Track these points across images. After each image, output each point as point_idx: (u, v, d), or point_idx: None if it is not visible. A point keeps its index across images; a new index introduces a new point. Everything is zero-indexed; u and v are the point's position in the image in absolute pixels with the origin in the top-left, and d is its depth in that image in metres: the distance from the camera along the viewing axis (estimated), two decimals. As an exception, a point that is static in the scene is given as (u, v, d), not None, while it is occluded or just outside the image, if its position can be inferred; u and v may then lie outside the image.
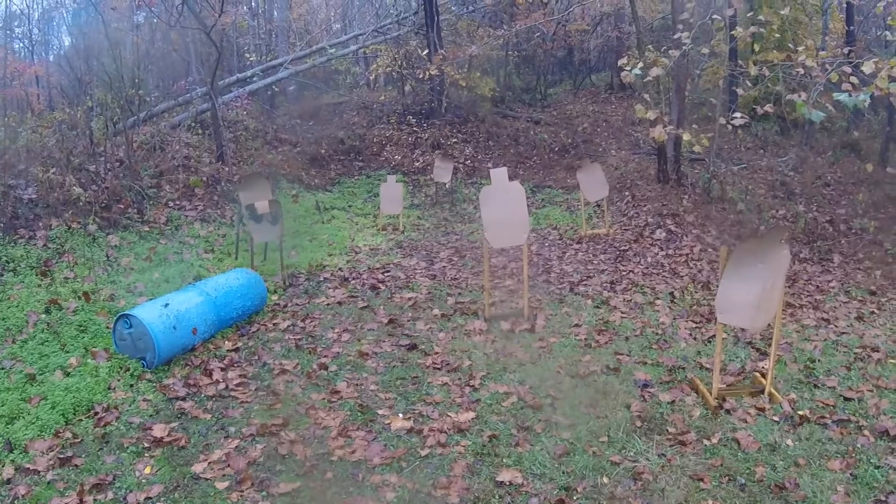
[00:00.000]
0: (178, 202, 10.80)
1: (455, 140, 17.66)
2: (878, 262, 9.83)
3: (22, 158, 9.70)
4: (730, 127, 12.20)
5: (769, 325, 5.35)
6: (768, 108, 10.26)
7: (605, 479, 4.35)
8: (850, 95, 8.05)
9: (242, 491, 4.16)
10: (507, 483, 4.26)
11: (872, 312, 7.82)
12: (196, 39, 17.00)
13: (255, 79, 18.35)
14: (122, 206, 9.66)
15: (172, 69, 19.61)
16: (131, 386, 5.53)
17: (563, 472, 4.43)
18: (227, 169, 12.85)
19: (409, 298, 7.99)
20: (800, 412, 5.20)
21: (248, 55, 23.17)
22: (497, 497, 4.12)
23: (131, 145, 11.28)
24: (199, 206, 10.98)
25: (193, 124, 14.76)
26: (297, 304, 7.75)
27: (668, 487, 4.25)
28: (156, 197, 10.57)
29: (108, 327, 6.35)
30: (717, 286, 5.19)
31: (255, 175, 10.00)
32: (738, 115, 11.48)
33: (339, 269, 9.44)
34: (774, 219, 11.35)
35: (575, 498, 4.17)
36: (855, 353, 6.42)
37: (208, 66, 13.98)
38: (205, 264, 8.90)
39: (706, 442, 4.79)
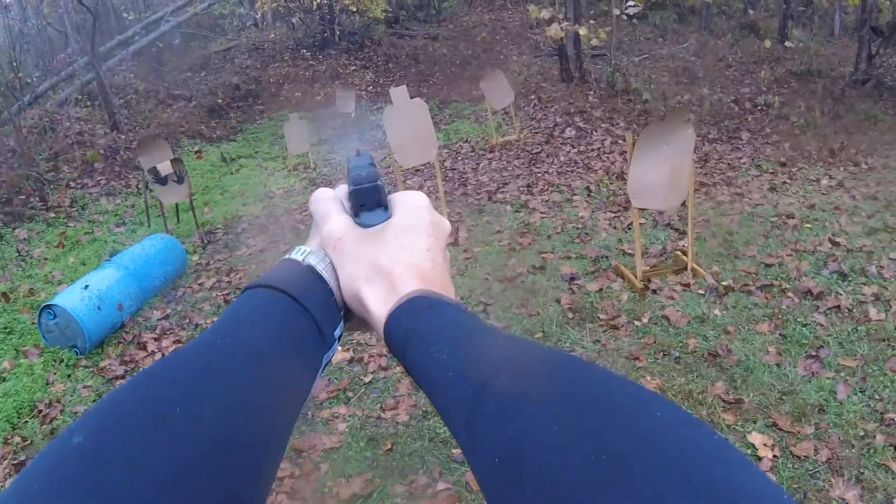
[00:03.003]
0: (79, 181, 10.38)
1: (354, 68, 17.28)
2: (785, 135, 10.06)
3: None
4: (625, 17, 12.25)
5: (683, 203, 5.44)
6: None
7: (545, 372, 4.43)
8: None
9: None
10: (451, 393, 4.30)
11: (784, 183, 8.03)
12: (69, 8, 16.04)
13: (136, 38, 17.53)
14: (23, 197, 9.26)
15: (50, 44, 18.56)
16: (69, 376, 5.39)
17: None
18: (123, 137, 12.36)
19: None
20: (724, 283, 5.37)
21: (125, 14, 22.07)
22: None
23: (20, 132, 10.74)
24: (101, 181, 10.58)
25: (81, 97, 14.09)
26: (219, 260, 7.57)
27: (607, 369, 4.34)
28: (55, 180, 10.15)
29: (33, 323, 6.12)
30: (629, 173, 5.24)
31: (153, 137, 9.59)
32: (631, 3, 11.50)
33: (257, 217, 9.23)
34: (680, 104, 11.48)
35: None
36: (771, 222, 6.62)
37: (86, 34, 13.27)
38: (118, 238, 8.61)
39: (637, 323, 4.92)
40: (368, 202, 0.70)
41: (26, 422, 4.85)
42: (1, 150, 10.23)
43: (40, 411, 4.93)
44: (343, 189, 0.75)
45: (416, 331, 0.57)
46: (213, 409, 0.47)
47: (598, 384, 0.45)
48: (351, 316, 0.69)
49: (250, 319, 0.59)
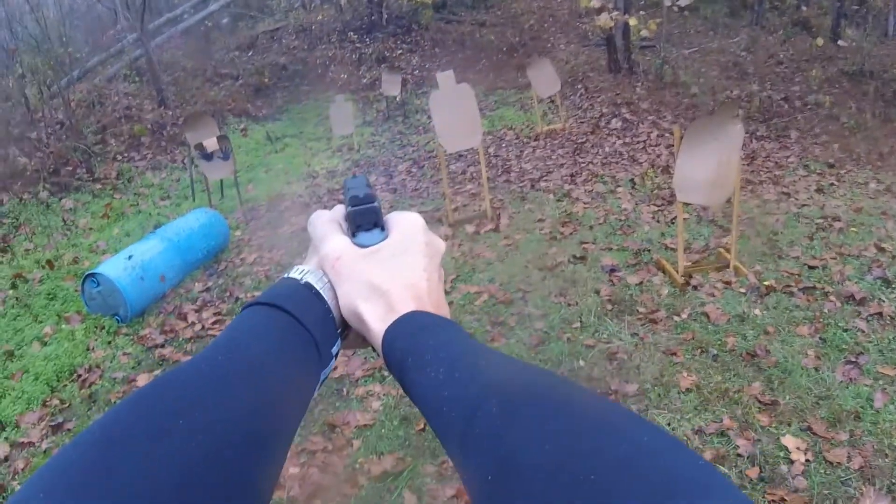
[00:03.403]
0: (126, 154, 10.58)
1: (400, 52, 17.29)
2: (834, 135, 9.89)
3: (-41, 139, 9.42)
4: (676, 9, 12.11)
5: (729, 200, 5.39)
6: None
7: (582, 362, 4.45)
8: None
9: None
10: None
11: (832, 184, 7.90)
12: (118, -16, 16.28)
13: (185, 16, 17.70)
14: (71, 168, 9.46)
15: (99, 20, 18.81)
16: (109, 343, 5.51)
17: (541, 361, 4.51)
18: (170, 113, 12.54)
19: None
20: (766, 283, 5.30)
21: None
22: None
23: (69, 105, 10.98)
24: (147, 155, 10.77)
25: (129, 73, 14.33)
26: (260, 237, 7.67)
27: (642, 364, 4.34)
28: (102, 153, 10.34)
29: (76, 290, 6.27)
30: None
31: (200, 114, 9.72)
32: (683, -5, 11.37)
33: (299, 195, 9.33)
34: (729, 99, 11.33)
35: (554, 385, 4.25)
36: (816, 224, 6.51)
37: (135, 11, 13.44)
38: (163, 212, 8.77)
39: (676, 318, 4.89)
40: (365, 223, 0.73)
41: (65, 385, 4.98)
42: (50, 122, 10.45)
43: (80, 376, 5.05)
44: (340, 210, 0.78)
45: (413, 351, 0.60)
46: (214, 421, 0.49)
47: (587, 407, 0.47)
48: (347, 334, 0.71)
49: (250, 336, 0.61)
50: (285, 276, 0.70)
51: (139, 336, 5.55)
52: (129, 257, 5.98)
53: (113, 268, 5.82)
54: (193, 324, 5.67)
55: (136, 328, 5.70)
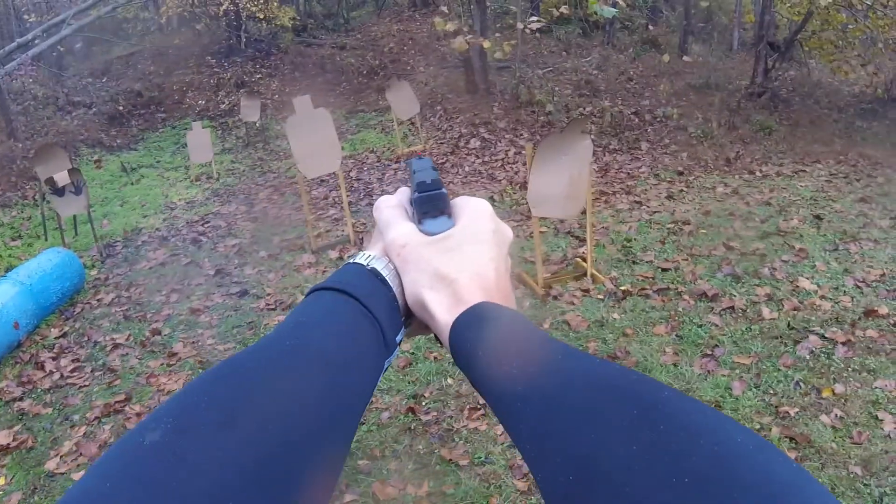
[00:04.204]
0: (-28, 192, 9.94)
1: (259, 76, 17.02)
2: (683, 144, 10.40)
3: None
4: (529, 31, 12.46)
5: (583, 212, 5.57)
6: (564, 9, 10.52)
7: (450, 381, 4.49)
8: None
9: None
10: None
11: (681, 191, 8.29)
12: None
13: (37, 41, 16.82)
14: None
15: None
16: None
17: (409, 382, 4.53)
18: (19, 145, 11.89)
19: (234, 245, 7.77)
20: (622, 287, 5.51)
21: (26, 17, 21.19)
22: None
23: None
24: (-4, 192, 10.16)
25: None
26: (118, 275, 7.34)
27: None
28: (-54, 192, 9.69)
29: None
30: (530, 183, 5.34)
31: (50, 146, 9.23)
32: (534, 18, 11.72)
33: (157, 229, 8.99)
34: (582, 115, 11.73)
35: (423, 403, 4.30)
36: (668, 229, 6.83)
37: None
38: (14, 252, 8.29)
39: (539, 328, 4.97)
40: (432, 210, 0.71)
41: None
42: None
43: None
44: (405, 194, 0.77)
45: (482, 344, 0.57)
46: (281, 410, 0.48)
47: (674, 404, 0.45)
48: (411, 322, 0.70)
49: (318, 321, 0.60)
50: (351, 261, 0.70)
51: (-5, 389, 5.20)
52: (-20, 304, 5.61)
53: (-38, 317, 5.45)
54: (52, 372, 5.37)
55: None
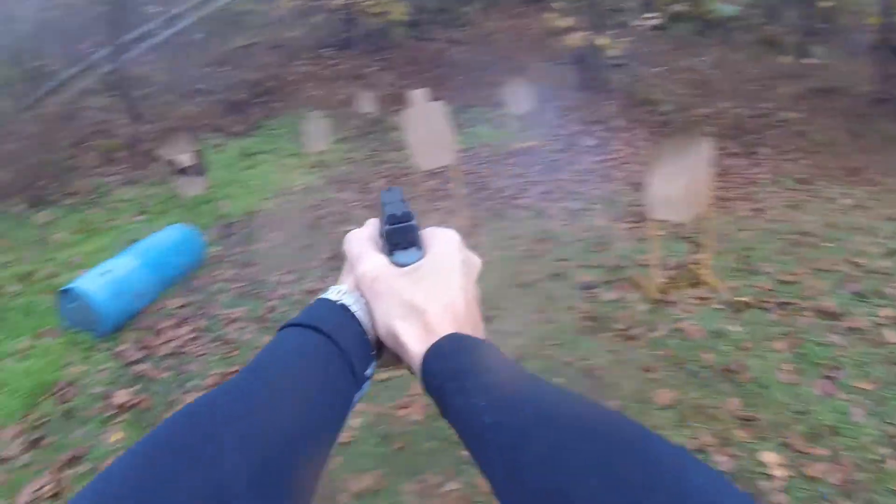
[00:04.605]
0: (100, 169, 10.51)
1: (374, 68, 17.31)
2: (804, 151, 10.02)
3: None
4: (645, 28, 12.28)
5: (701, 217, 5.45)
6: (682, 6, 10.31)
7: (561, 380, 4.44)
8: None
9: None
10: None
11: (804, 200, 7.99)
12: (94, -1, 16.17)
13: (158, 31, 17.56)
14: (45, 182, 9.36)
15: (74, 33, 18.66)
16: (86, 358, 5.46)
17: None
18: (144, 128, 12.44)
19: (349, 231, 7.91)
20: (741, 298, 5.34)
21: (150, 7, 22.13)
22: (457, 410, 4.20)
23: (43, 119, 10.85)
24: (122, 170, 10.70)
25: (102, 87, 14.21)
26: (236, 253, 7.63)
27: (621, 381, 4.36)
28: (77, 167, 10.27)
29: (52, 305, 6.19)
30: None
31: (175, 130, 9.70)
32: (651, 15, 11.55)
33: (274, 212, 9.29)
34: (700, 116, 11.48)
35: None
36: (789, 240, 6.58)
37: (108, 25, 13.40)
38: (138, 227, 8.69)
39: (653, 334, 4.91)
40: (402, 241, 0.73)
41: (43, 400, 4.94)
42: (23, 135, 10.33)
43: (58, 391, 5.01)
44: (374, 226, 0.79)
45: (453, 375, 0.59)
46: (261, 430, 0.51)
47: (639, 441, 0.47)
48: (382, 354, 0.71)
49: (288, 358, 0.62)
50: (321, 297, 0.71)
51: (116, 352, 5.50)
52: (105, 272, 5.94)
53: (89, 283, 5.79)
54: (170, 340, 5.63)
55: (112, 344, 5.65)
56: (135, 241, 7.60)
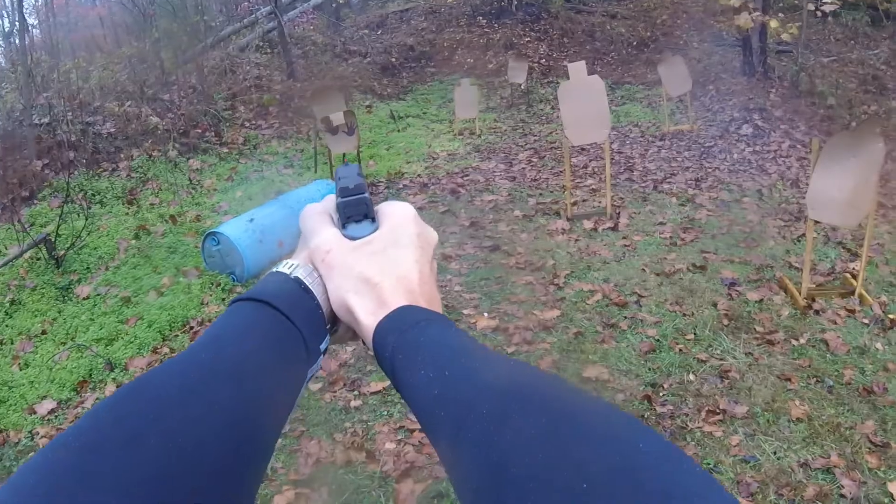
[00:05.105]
0: (253, 122, 10.94)
1: (528, 39, 17.18)
2: (980, 163, 9.29)
3: (96, 96, 9.98)
4: (819, 14, 11.61)
5: (861, 224, 5.16)
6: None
7: (692, 377, 4.36)
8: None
9: (335, 391, 4.33)
10: (594, 379, 4.33)
11: (975, 216, 7.42)
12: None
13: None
14: (200, 131, 9.86)
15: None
16: (223, 300, 5.75)
17: (649, 369, 4.46)
18: (298, 85, 12.86)
19: (490, 201, 7.99)
20: (891, 315, 5.05)
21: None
22: (584, 393, 4.21)
23: (202, 71, 11.43)
24: (274, 125, 11.10)
25: (261, 44, 14.81)
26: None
27: (755, 386, 4.23)
28: (231, 119, 10.73)
29: (196, 247, 6.57)
30: (807, 183, 5.02)
31: (328, 88, 9.97)
32: (827, 0, 10.89)
33: (418, 175, 9.45)
34: (866, 114, 10.80)
35: (661, 394, 4.20)
36: (953, 258, 6.15)
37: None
38: (285, 180, 9.05)
39: (794, 342, 4.73)
40: (355, 214, 0.73)
41: (177, 335, 5.24)
42: (182, 86, 10.91)
43: (191, 328, 5.31)
44: (331, 201, 0.78)
45: (403, 348, 0.59)
46: (192, 421, 0.48)
47: (584, 412, 0.46)
48: (337, 329, 0.71)
49: (236, 333, 0.61)
50: (274, 270, 0.71)
51: (252, 296, 5.76)
52: (251, 220, 6.19)
53: (234, 228, 6.05)
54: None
55: (249, 289, 5.90)
56: (281, 192, 7.93)
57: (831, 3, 10.83)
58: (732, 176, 8.44)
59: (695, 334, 4.84)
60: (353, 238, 0.71)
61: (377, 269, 0.67)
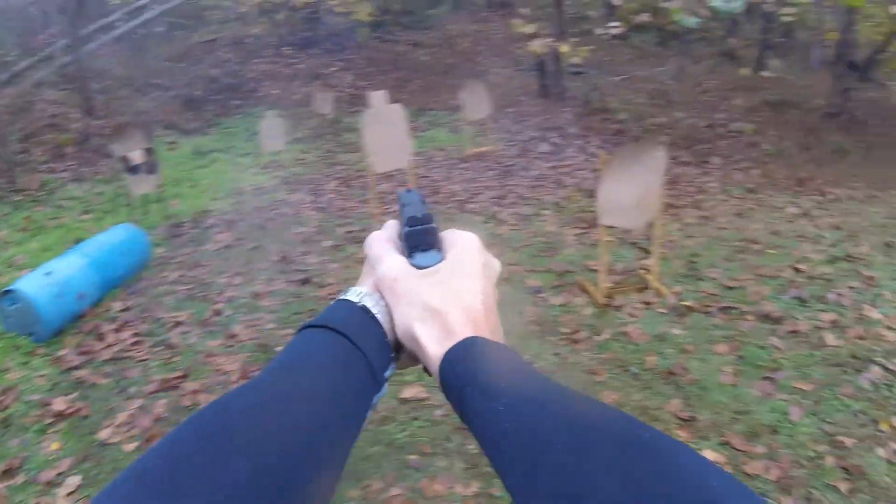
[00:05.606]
0: (49, 165, 10.31)
1: (334, 69, 17.22)
2: (755, 161, 10.17)
3: None
4: (607, 37, 12.38)
5: (650, 224, 5.51)
6: (645, 17, 10.42)
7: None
8: (724, 1, 8.20)
9: (150, 449, 4.09)
10: (411, 399, 4.33)
11: (751, 209, 8.11)
12: (53, -12, 15.94)
13: (119, 23, 17.32)
14: (-9, 177, 9.17)
15: (31, 23, 18.32)
16: (25, 364, 5.28)
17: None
18: (97, 123, 12.24)
19: (299, 233, 7.87)
20: (685, 303, 5.43)
21: (110, -1, 21.84)
22: (402, 412, 4.23)
23: (-6, 110, 10.67)
24: (72, 166, 10.51)
25: (58, 79, 13.97)
26: (184, 254, 7.49)
27: (566, 383, 4.36)
28: (26, 162, 10.05)
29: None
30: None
31: (127, 125, 9.51)
32: (614, 24, 11.64)
33: (225, 212, 9.16)
34: (655, 126, 11.60)
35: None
36: (735, 247, 6.70)
37: (69, 16, 13.18)
38: (84, 226, 8.52)
39: (597, 338, 4.96)
40: (422, 244, 0.74)
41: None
42: (-30, 129, 10.13)
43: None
44: (394, 227, 0.79)
45: (473, 380, 0.59)
46: (268, 447, 0.51)
47: (659, 448, 0.47)
48: (400, 355, 0.72)
49: (308, 359, 0.63)
50: (342, 297, 0.71)
51: (56, 357, 5.32)
52: (48, 273, 5.76)
53: (30, 284, 5.60)
54: (112, 345, 5.48)
55: (52, 348, 5.47)
56: (80, 240, 7.47)
57: (617, 27, 11.57)
58: (532, 191, 8.78)
59: (506, 342, 4.94)
60: (419, 267, 0.71)
61: (443, 298, 0.68)
